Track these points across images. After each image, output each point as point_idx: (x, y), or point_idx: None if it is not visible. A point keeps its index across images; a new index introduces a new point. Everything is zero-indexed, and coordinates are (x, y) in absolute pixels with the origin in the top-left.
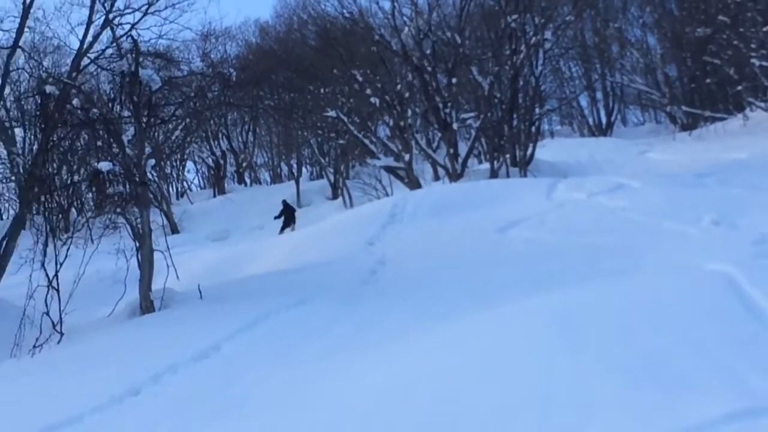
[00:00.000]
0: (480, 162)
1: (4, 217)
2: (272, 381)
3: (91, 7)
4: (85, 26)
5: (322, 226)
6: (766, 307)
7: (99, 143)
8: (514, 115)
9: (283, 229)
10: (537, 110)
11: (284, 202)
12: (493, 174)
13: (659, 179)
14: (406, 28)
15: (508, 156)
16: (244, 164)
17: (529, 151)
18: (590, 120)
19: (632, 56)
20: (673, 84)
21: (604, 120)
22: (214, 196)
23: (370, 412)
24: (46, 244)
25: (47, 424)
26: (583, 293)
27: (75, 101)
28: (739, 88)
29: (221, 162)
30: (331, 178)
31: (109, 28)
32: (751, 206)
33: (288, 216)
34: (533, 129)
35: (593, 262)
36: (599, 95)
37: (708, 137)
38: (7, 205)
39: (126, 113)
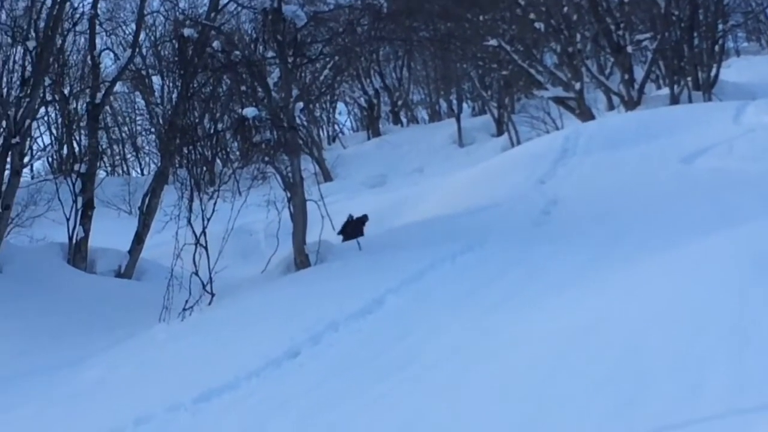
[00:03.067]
0: (658, 87)
1: (146, 172)
2: (442, 336)
3: None
4: None
5: (488, 165)
6: None
7: (243, 88)
8: (695, 34)
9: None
10: (720, 26)
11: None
12: (674, 100)
13: None
14: None
15: (689, 79)
16: (400, 103)
17: (713, 73)
18: None
19: None
20: None
21: None
22: (369, 138)
23: (551, 366)
24: (191, 199)
25: (201, 391)
26: None
27: (215, 44)
28: None
29: (374, 102)
30: (495, 113)
31: None
32: None
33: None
34: (717, 48)
35: None
36: None
37: None
38: (148, 159)
39: (270, 54)
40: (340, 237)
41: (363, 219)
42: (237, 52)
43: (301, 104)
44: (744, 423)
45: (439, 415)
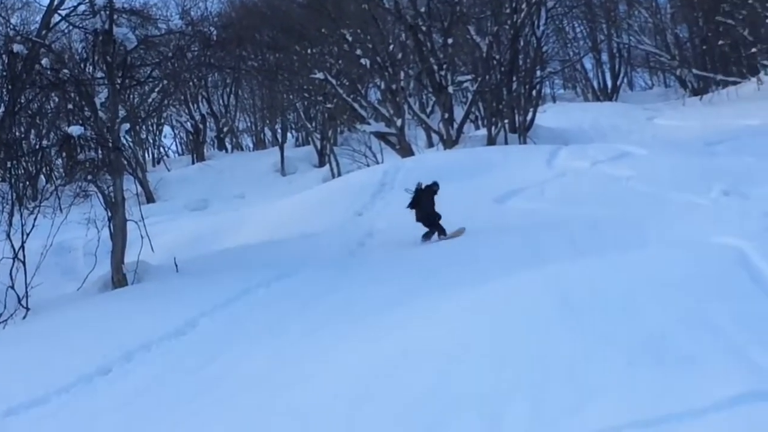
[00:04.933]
0: (477, 128)
1: None
2: (253, 360)
3: None
4: None
5: (308, 195)
6: None
7: (70, 106)
8: (514, 78)
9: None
10: (538, 73)
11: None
12: (491, 141)
13: (667, 147)
14: None
15: (506, 121)
16: (225, 129)
17: (529, 117)
18: (595, 83)
19: (640, 16)
20: (683, 45)
21: (609, 83)
22: (193, 162)
23: (358, 394)
24: (11, 213)
25: (10, 405)
26: (585, 267)
27: (44, 61)
28: (754, 50)
29: (200, 127)
30: (318, 144)
31: None
32: (764, 175)
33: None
34: (534, 93)
35: (596, 234)
36: (605, 57)
37: (719, 102)
38: None
39: (99, 74)
40: (413, 215)
41: (434, 188)
42: (66, 71)
43: (127, 125)
44: None
45: None
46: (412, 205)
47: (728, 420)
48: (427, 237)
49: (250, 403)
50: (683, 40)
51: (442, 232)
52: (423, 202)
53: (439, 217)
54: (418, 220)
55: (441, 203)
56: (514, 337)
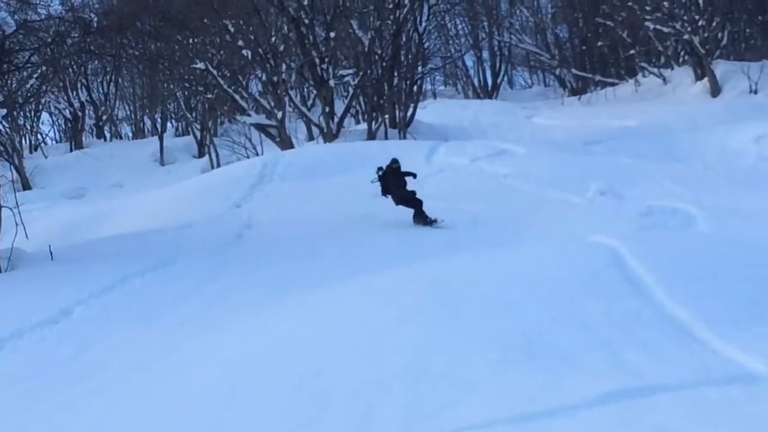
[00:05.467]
0: (357, 122)
1: None
2: (128, 349)
3: None
4: None
5: (186, 185)
6: (648, 283)
7: None
8: (395, 74)
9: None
10: (419, 69)
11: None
12: (371, 135)
13: (545, 145)
14: None
15: (386, 116)
16: (104, 117)
17: (410, 112)
18: (475, 81)
19: (522, 15)
20: (563, 46)
21: (490, 81)
22: (71, 150)
23: (234, 385)
24: None
25: None
26: (462, 263)
27: None
28: (632, 52)
29: (79, 114)
30: (198, 134)
31: None
32: (639, 176)
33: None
34: (415, 89)
35: (473, 231)
36: (486, 55)
37: (597, 102)
38: None
39: None
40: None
41: (394, 165)
42: None
43: (3, 111)
44: None
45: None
46: (384, 192)
47: (599, 416)
48: (419, 218)
49: (125, 393)
50: (563, 40)
51: (421, 213)
52: (391, 185)
53: (414, 193)
54: (398, 204)
55: (320, 196)
56: (390, 330)
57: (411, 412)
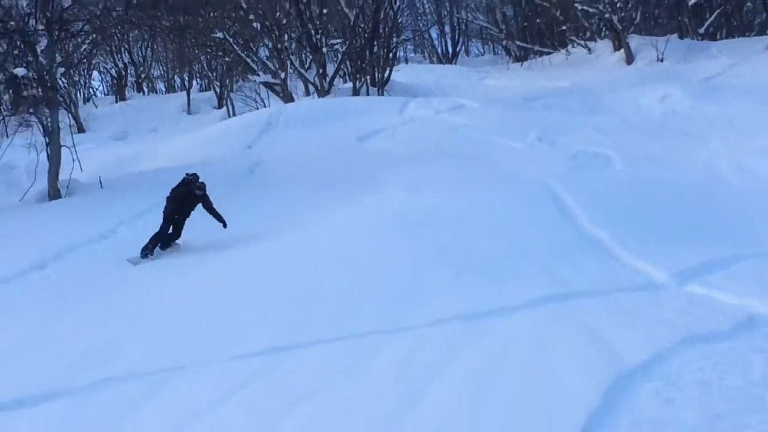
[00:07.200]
0: (345, 81)
1: None
2: (159, 261)
3: None
4: None
5: (208, 131)
6: (578, 215)
7: (16, 52)
8: (375, 43)
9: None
10: (394, 39)
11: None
12: (355, 92)
13: (494, 102)
14: None
15: (368, 77)
16: (143, 75)
17: (387, 74)
18: (439, 50)
19: None
20: (509, 22)
21: (450, 50)
22: (116, 101)
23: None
24: None
25: None
26: (424, 197)
27: None
28: (564, 27)
29: (123, 73)
30: (218, 90)
31: None
32: (569, 127)
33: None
34: (390, 55)
35: (437, 168)
36: (447, 29)
37: (536, 68)
38: None
39: (40, 27)
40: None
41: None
42: (12, 23)
43: (62, 69)
44: (414, 336)
45: (146, 325)
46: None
47: (534, 315)
48: (165, 245)
49: (158, 289)
50: (509, 17)
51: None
52: (182, 202)
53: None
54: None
55: (315, 139)
56: (361, 249)
57: (385, 310)
